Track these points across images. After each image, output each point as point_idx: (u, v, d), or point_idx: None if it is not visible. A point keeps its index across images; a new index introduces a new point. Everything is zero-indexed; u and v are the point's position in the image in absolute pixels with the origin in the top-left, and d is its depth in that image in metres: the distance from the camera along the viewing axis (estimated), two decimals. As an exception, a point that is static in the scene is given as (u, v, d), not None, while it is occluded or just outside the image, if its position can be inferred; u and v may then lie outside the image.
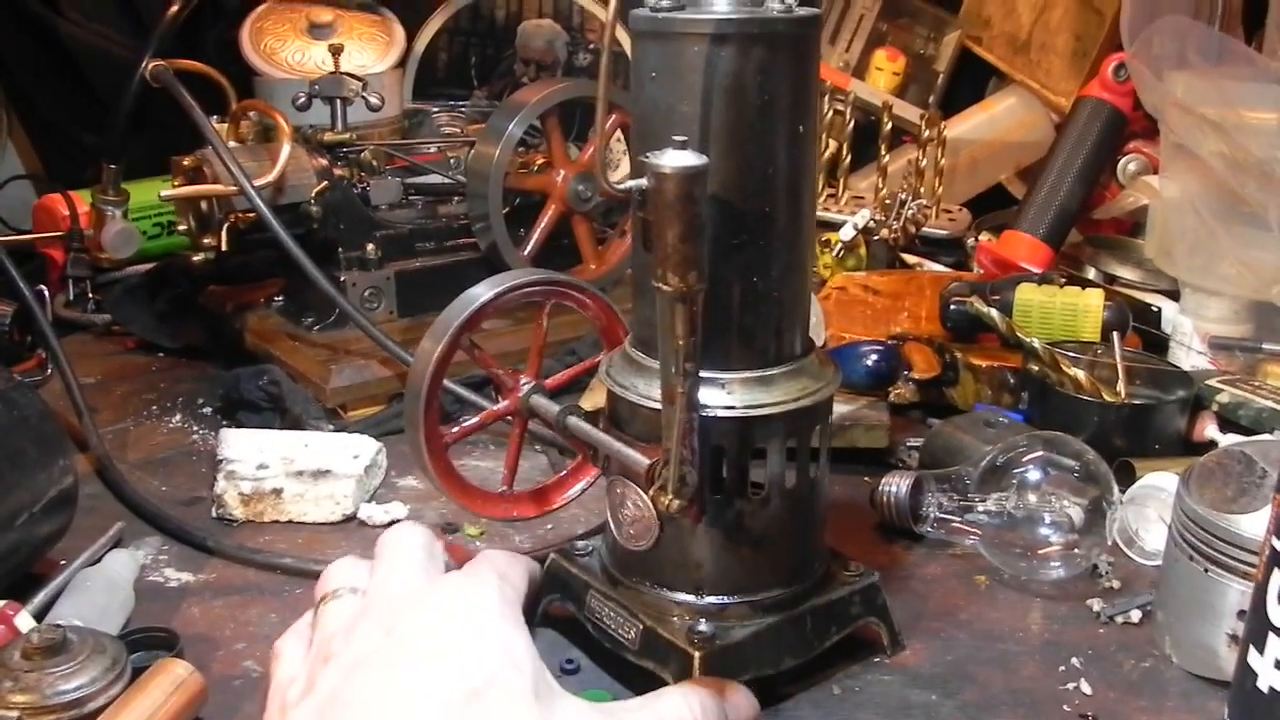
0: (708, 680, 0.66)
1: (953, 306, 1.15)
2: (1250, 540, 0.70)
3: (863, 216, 1.43)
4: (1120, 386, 1.02)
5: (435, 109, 1.56)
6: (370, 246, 1.20)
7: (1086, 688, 0.74)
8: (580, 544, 0.79)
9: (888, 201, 1.49)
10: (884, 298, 1.29)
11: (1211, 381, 1.06)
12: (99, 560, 0.84)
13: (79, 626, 0.70)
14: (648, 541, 0.70)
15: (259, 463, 0.97)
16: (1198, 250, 1.20)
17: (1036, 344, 1.04)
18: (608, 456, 0.72)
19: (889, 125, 1.59)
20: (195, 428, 1.12)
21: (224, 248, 1.14)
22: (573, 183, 1.24)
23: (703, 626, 0.69)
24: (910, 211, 1.46)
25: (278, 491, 0.94)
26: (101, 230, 1.31)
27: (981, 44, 1.77)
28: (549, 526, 0.93)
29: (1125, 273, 1.40)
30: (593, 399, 1.04)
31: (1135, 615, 0.81)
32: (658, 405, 0.66)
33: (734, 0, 0.65)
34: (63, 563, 0.83)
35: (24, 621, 0.72)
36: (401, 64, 1.62)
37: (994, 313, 1.10)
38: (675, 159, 0.59)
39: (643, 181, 0.60)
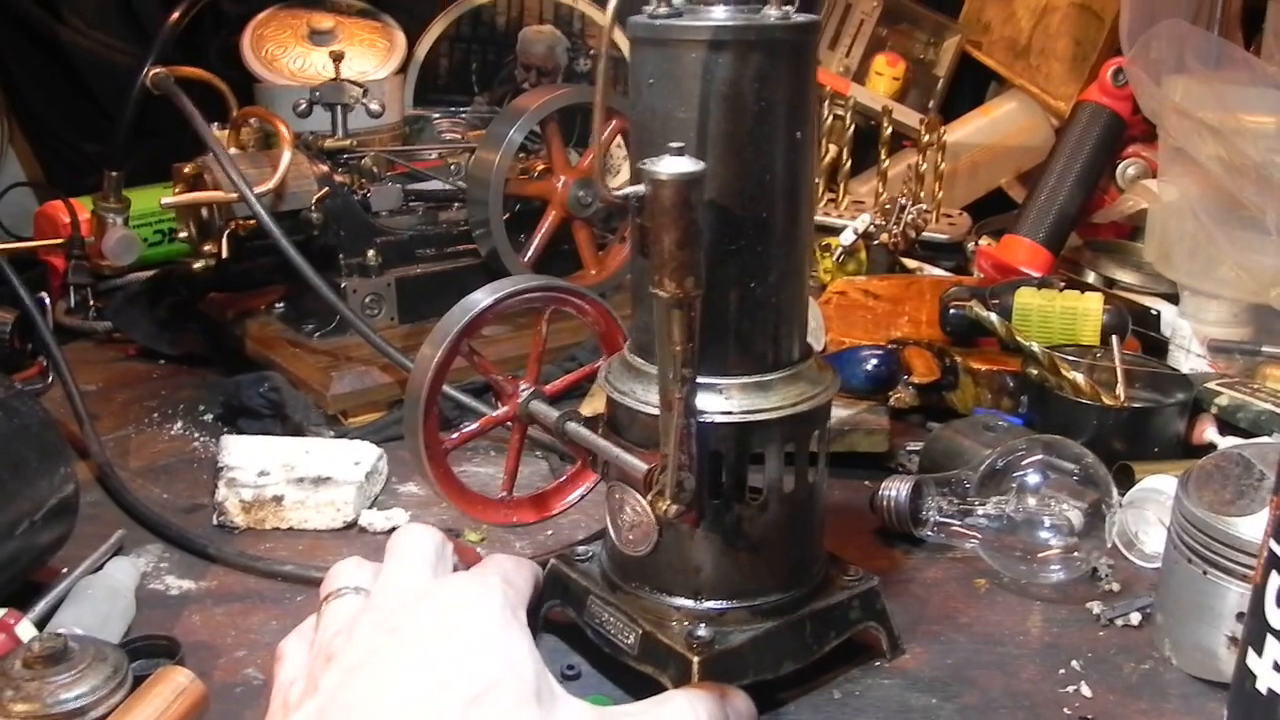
0: (709, 685, 0.66)
1: (952, 311, 1.15)
2: (1249, 543, 0.70)
3: (863, 221, 1.43)
4: (1119, 390, 1.02)
5: (436, 115, 1.57)
6: (371, 253, 1.20)
7: (1086, 690, 0.74)
8: (580, 549, 0.79)
9: (888, 206, 1.49)
10: (884, 302, 1.29)
11: (1210, 384, 1.06)
12: (100, 568, 0.84)
13: (80, 635, 0.70)
14: (647, 547, 0.70)
15: (260, 470, 0.97)
16: (1196, 254, 1.21)
17: (1036, 348, 1.04)
18: (607, 462, 0.72)
19: (889, 130, 1.59)
20: (196, 435, 1.12)
21: (225, 255, 1.15)
22: (573, 188, 1.24)
23: (701, 631, 0.69)
24: (910, 216, 1.47)
25: (279, 498, 0.94)
26: (102, 237, 1.32)
27: (981, 49, 1.78)
28: (549, 532, 0.93)
29: (1124, 276, 1.40)
30: (592, 405, 1.04)
31: (1135, 618, 0.81)
32: (656, 411, 0.66)
33: (732, 7, 0.65)
34: (64, 571, 0.83)
35: (25, 630, 0.72)
36: (402, 70, 1.63)
37: (993, 317, 1.10)
38: (672, 165, 0.59)
39: (640, 188, 0.61)
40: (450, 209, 1.30)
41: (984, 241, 1.50)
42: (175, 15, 1.35)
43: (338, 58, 1.25)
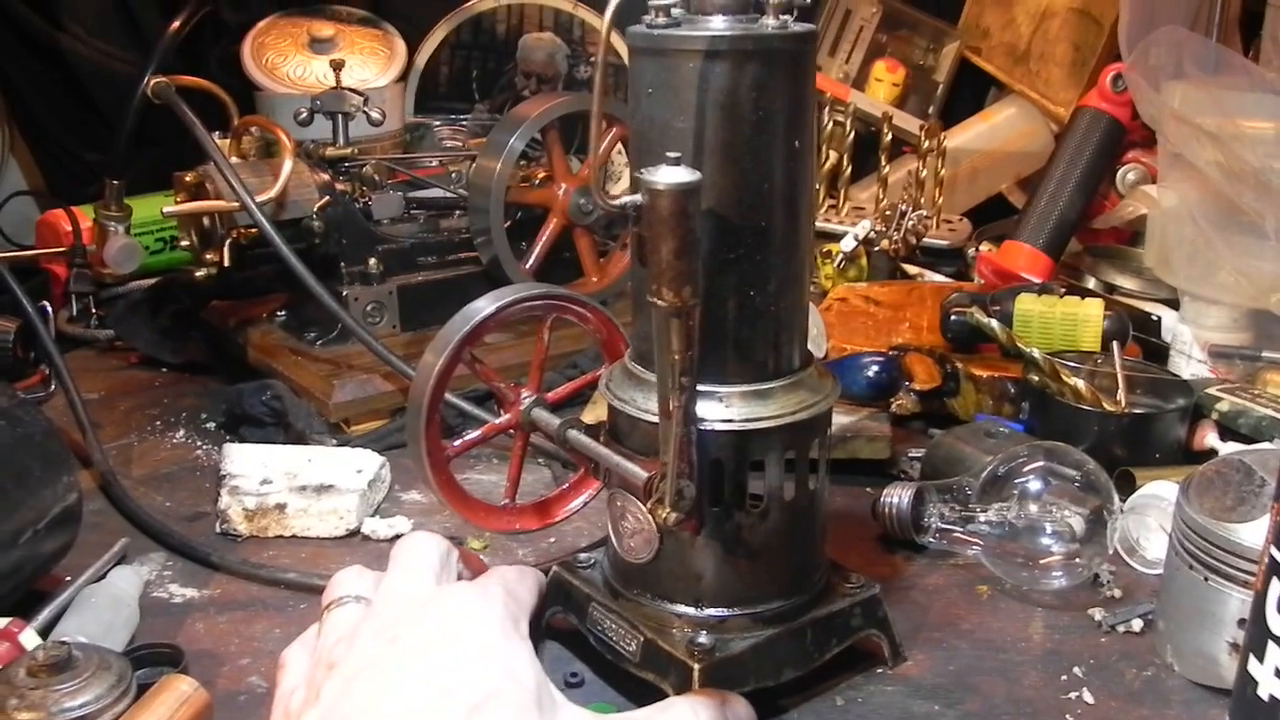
0: (710, 692, 0.66)
1: (953, 317, 1.15)
2: (1250, 549, 0.70)
3: (863, 227, 1.43)
4: (1120, 396, 1.02)
5: (437, 123, 1.57)
6: (372, 261, 1.21)
7: (1089, 697, 0.74)
8: (583, 556, 0.79)
9: (888, 212, 1.50)
10: (885, 309, 1.29)
11: (1211, 390, 1.06)
12: (103, 577, 0.84)
13: (84, 643, 0.70)
14: (648, 554, 0.70)
15: (262, 478, 0.97)
16: (1196, 259, 1.21)
17: (1037, 354, 1.05)
18: (608, 470, 0.72)
19: (889, 136, 1.59)
20: (198, 443, 1.12)
21: (226, 263, 1.15)
22: (574, 196, 1.25)
23: (702, 639, 0.69)
24: (911, 222, 1.47)
25: (281, 506, 0.94)
26: (104, 246, 1.32)
27: (981, 54, 1.78)
28: (551, 540, 0.93)
29: (1125, 282, 1.40)
30: (594, 412, 1.04)
31: (1137, 624, 0.81)
32: (656, 419, 0.66)
33: (730, 17, 0.66)
34: (67, 579, 0.83)
35: (29, 639, 0.72)
36: (403, 78, 1.63)
37: (994, 323, 1.11)
38: (669, 175, 0.59)
39: (638, 197, 0.61)
40: (451, 217, 1.30)
41: (984, 247, 1.51)
42: (176, 24, 1.35)
43: (338, 66, 1.25)
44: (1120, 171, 1.46)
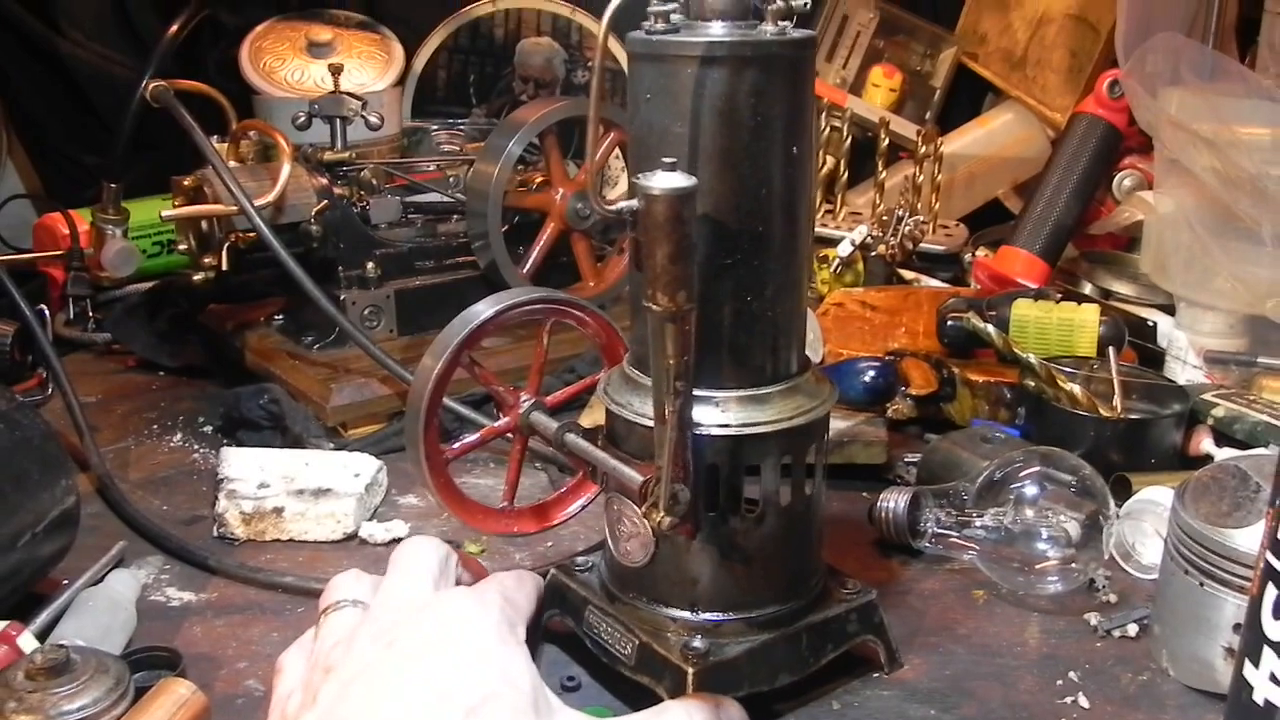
0: (704, 696, 0.66)
1: (950, 322, 1.15)
2: (1245, 554, 0.70)
3: (860, 232, 1.44)
4: (1116, 401, 1.02)
5: (434, 127, 1.57)
6: (370, 265, 1.21)
7: (1084, 701, 0.74)
8: (581, 559, 0.79)
9: (885, 217, 1.50)
10: (881, 314, 1.29)
11: (1207, 396, 1.07)
12: (101, 580, 0.84)
13: (82, 646, 0.70)
14: (643, 558, 0.71)
15: (260, 481, 0.97)
16: (1192, 265, 1.21)
17: (1033, 359, 1.05)
18: (605, 474, 0.72)
19: (886, 141, 1.60)
20: (196, 446, 1.12)
21: (224, 267, 1.15)
22: (571, 201, 1.25)
23: (697, 643, 0.69)
24: (907, 227, 1.47)
25: (279, 510, 0.94)
26: (101, 249, 1.32)
27: (978, 60, 1.78)
28: (549, 544, 0.93)
29: (1121, 288, 1.40)
30: (592, 416, 1.05)
31: (1132, 629, 0.82)
32: (652, 423, 0.66)
33: (728, 23, 0.66)
34: (65, 582, 0.83)
35: (27, 642, 0.72)
36: (400, 82, 1.63)
37: (990, 328, 1.11)
38: (664, 180, 0.59)
39: (634, 202, 0.61)
40: (449, 221, 1.30)
41: (981, 253, 1.51)
42: (174, 28, 1.35)
43: (336, 70, 1.25)
44: (1117, 177, 1.47)
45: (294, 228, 1.17)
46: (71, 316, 1.38)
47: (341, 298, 1.19)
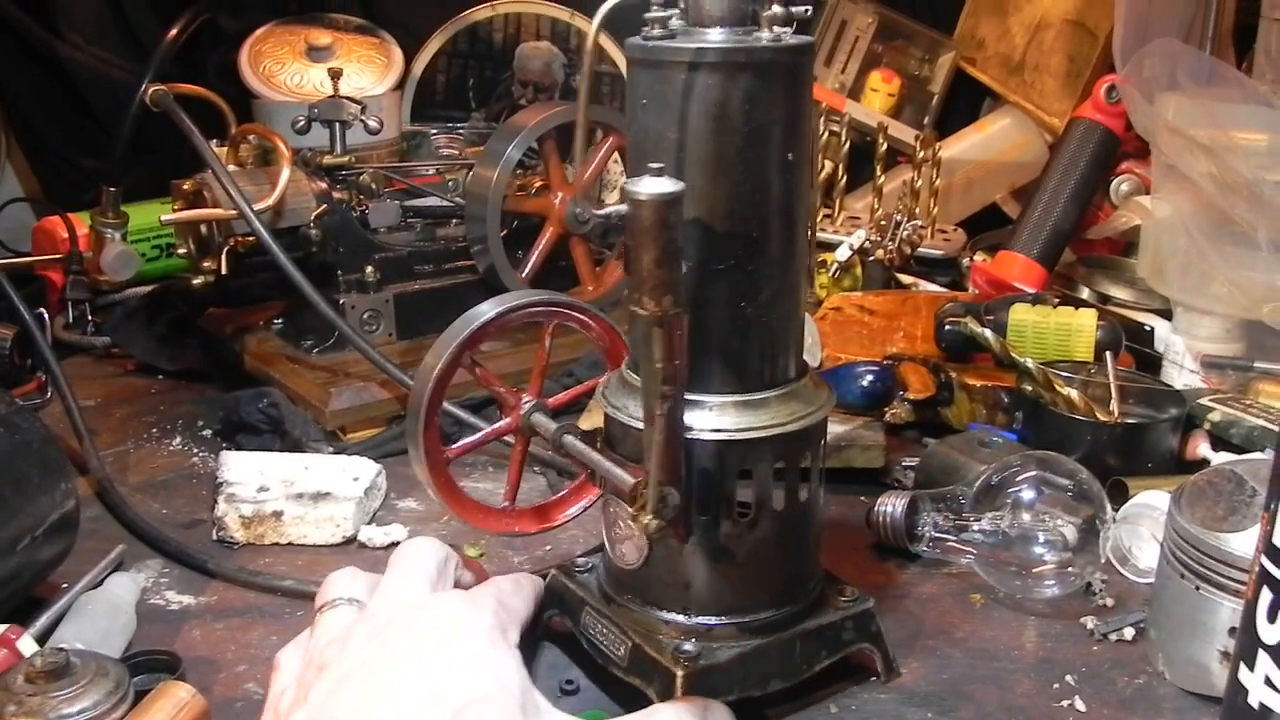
0: (693, 699, 0.67)
1: (947, 327, 1.16)
2: (1240, 558, 0.70)
3: (858, 237, 1.44)
4: (1113, 406, 1.02)
5: (433, 131, 1.58)
6: (369, 269, 1.21)
7: (1080, 705, 0.74)
8: (581, 560, 0.80)
9: (883, 222, 1.50)
10: (879, 318, 1.30)
11: (1203, 400, 1.07)
12: (100, 583, 0.84)
13: (81, 650, 0.71)
14: (637, 560, 0.71)
15: (259, 485, 0.97)
16: (1189, 270, 1.21)
17: (1030, 364, 1.05)
18: (602, 476, 0.73)
19: (884, 146, 1.60)
20: (195, 450, 1.12)
21: (224, 271, 1.15)
22: (570, 205, 1.25)
23: (688, 646, 0.70)
24: (906, 232, 1.47)
25: (278, 514, 0.94)
26: (101, 253, 1.32)
27: (976, 65, 1.79)
28: (547, 547, 0.93)
29: (1118, 292, 1.40)
30: (591, 420, 1.05)
31: (1129, 633, 0.82)
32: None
33: (725, 29, 0.66)
34: (64, 586, 0.83)
35: (26, 645, 0.73)
36: (400, 86, 1.63)
37: (988, 333, 1.11)
38: (651, 185, 0.59)
39: (624, 207, 0.61)
40: (448, 225, 1.30)
41: (979, 257, 1.51)
42: (173, 32, 1.36)
43: (336, 74, 1.26)
44: (1114, 182, 1.47)
45: (293, 232, 1.17)
46: (71, 320, 1.38)
47: (341, 302, 1.19)
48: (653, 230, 0.60)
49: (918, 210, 1.56)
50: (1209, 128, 1.17)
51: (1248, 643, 0.60)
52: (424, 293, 1.25)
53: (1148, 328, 1.28)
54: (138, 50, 1.66)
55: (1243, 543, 0.71)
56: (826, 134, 1.61)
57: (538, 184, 1.28)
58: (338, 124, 1.23)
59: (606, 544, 0.74)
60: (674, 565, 0.71)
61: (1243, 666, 0.60)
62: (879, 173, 1.60)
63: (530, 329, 0.84)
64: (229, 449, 1.08)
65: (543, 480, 1.03)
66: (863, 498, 0.98)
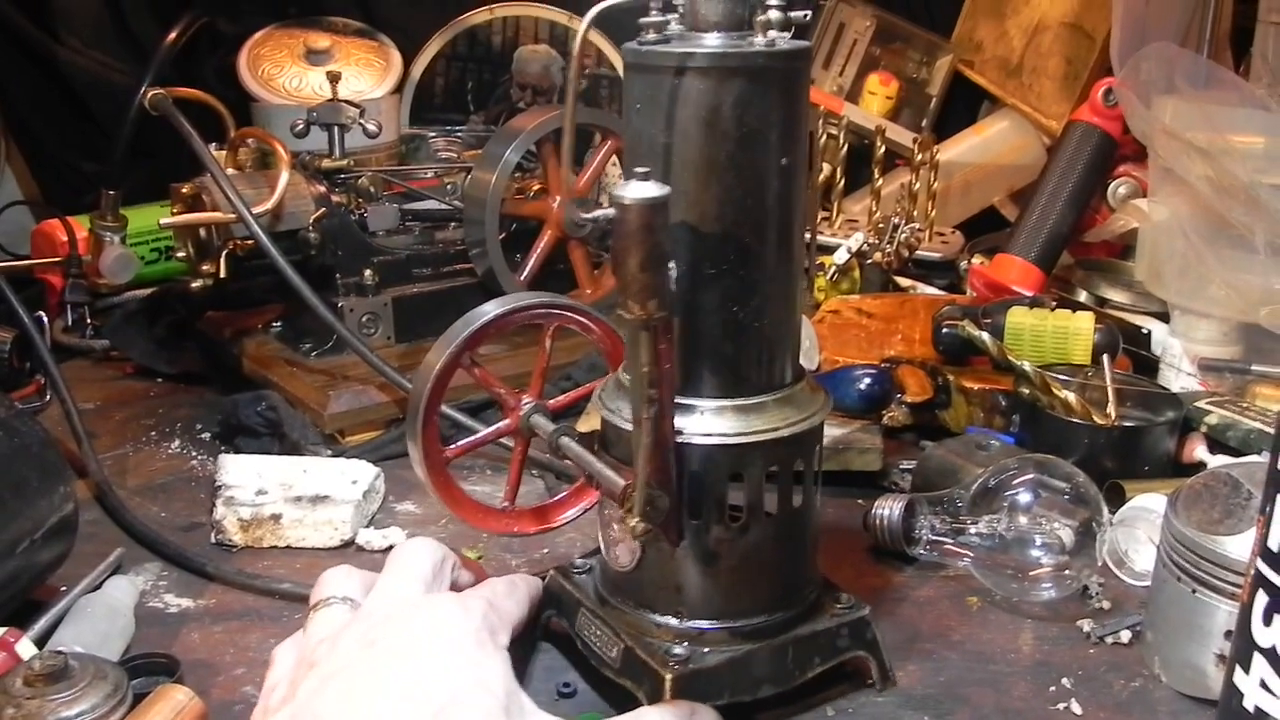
0: (680, 702, 0.67)
1: (945, 330, 1.16)
2: (1236, 562, 0.71)
3: (856, 240, 1.44)
4: (1110, 409, 1.02)
5: (432, 134, 1.58)
6: (368, 272, 1.21)
7: (1077, 708, 0.75)
8: (580, 562, 0.80)
9: (881, 225, 1.50)
10: (877, 321, 1.30)
11: (1201, 403, 1.07)
12: (99, 586, 0.84)
13: (80, 653, 0.71)
14: (630, 563, 0.71)
15: (258, 488, 0.97)
16: (1186, 273, 1.21)
17: (1028, 367, 1.05)
18: (594, 477, 0.73)
19: (882, 149, 1.60)
20: (194, 453, 1.12)
21: (223, 274, 1.15)
22: (568, 208, 1.25)
23: (678, 649, 0.70)
24: (903, 235, 1.47)
25: (276, 517, 0.94)
26: (99, 256, 1.32)
27: (973, 68, 1.79)
28: (545, 550, 0.93)
29: (1115, 295, 1.41)
30: (589, 423, 1.05)
31: (1125, 635, 0.82)
32: (637, 429, 0.67)
33: (721, 34, 0.66)
34: (63, 589, 0.83)
35: (25, 648, 0.73)
36: (398, 89, 1.63)
37: (986, 336, 1.11)
38: (636, 190, 0.60)
39: (611, 211, 0.62)
40: (447, 228, 1.30)
41: (976, 260, 1.51)
42: (172, 35, 1.36)
43: (334, 78, 1.26)
44: (1111, 185, 1.47)
45: (292, 235, 1.17)
46: (70, 323, 1.38)
47: (339, 305, 1.19)
48: (638, 234, 0.60)
49: (915, 213, 1.57)
50: (1206, 131, 1.17)
51: (1243, 646, 0.60)
52: (422, 296, 1.25)
53: (1145, 331, 1.28)
54: (137, 53, 1.66)
55: (1239, 546, 0.71)
56: (824, 137, 1.61)
57: (536, 187, 1.29)
58: (336, 127, 1.23)
59: (601, 546, 0.74)
60: (666, 568, 0.71)
61: (1238, 669, 0.60)
62: (877, 175, 1.60)
63: (528, 333, 0.84)
64: (227, 452, 1.08)
65: (540, 483, 1.03)
66: (860, 501, 0.98)
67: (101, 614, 0.80)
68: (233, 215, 1.12)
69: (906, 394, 1.11)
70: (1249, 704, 0.59)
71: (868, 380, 1.09)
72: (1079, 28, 1.67)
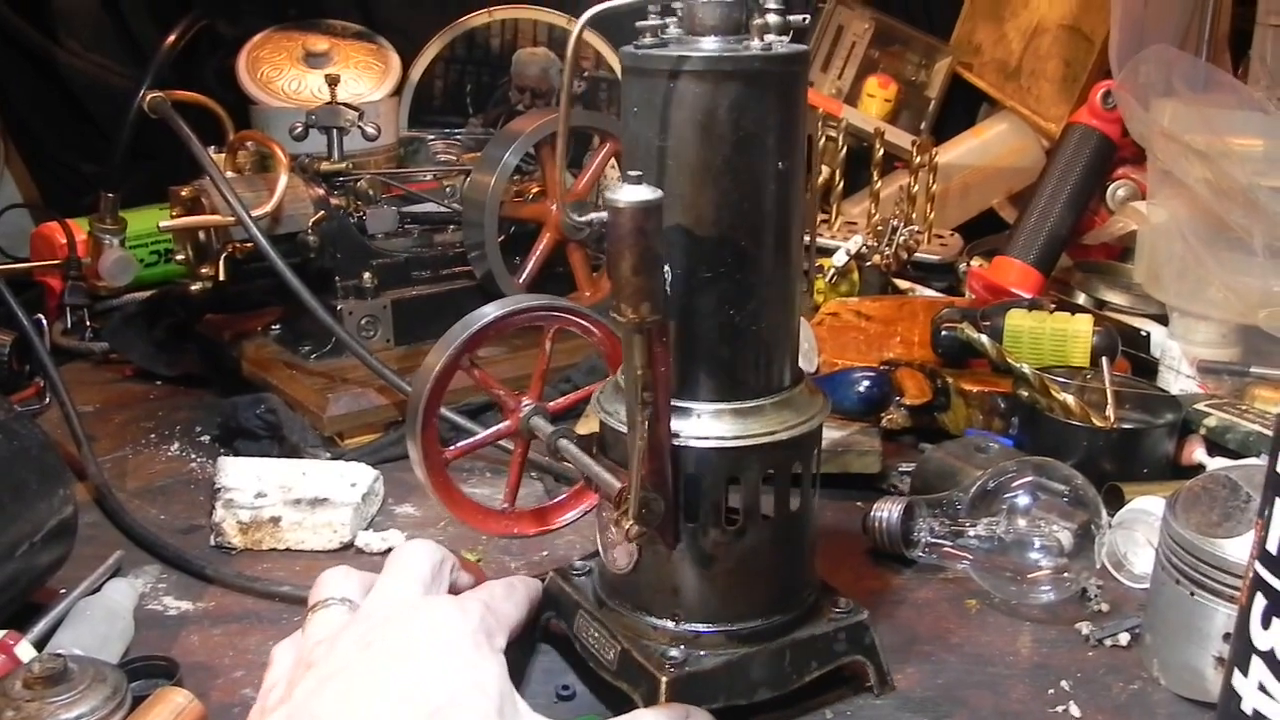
0: (675, 705, 0.67)
1: (944, 332, 1.16)
2: (1235, 564, 0.71)
3: (855, 242, 1.44)
4: (1109, 411, 1.03)
5: (431, 137, 1.58)
6: (367, 275, 1.21)
7: (1075, 710, 0.75)
8: (579, 564, 0.80)
9: (880, 227, 1.51)
10: (876, 323, 1.30)
11: (1199, 405, 1.07)
12: (98, 589, 0.84)
13: (79, 655, 0.71)
14: (627, 565, 0.71)
15: (257, 491, 0.97)
16: (1185, 275, 1.21)
17: (1026, 369, 1.05)
18: (591, 479, 0.73)
19: (881, 151, 1.60)
20: (193, 456, 1.12)
21: (222, 277, 1.15)
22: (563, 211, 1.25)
23: (674, 652, 0.70)
24: (902, 237, 1.48)
25: (276, 520, 0.94)
26: (99, 258, 1.32)
27: (972, 70, 1.79)
28: (544, 553, 0.93)
29: (1114, 298, 1.41)
30: (588, 425, 1.05)
31: (1123, 638, 0.82)
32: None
33: (719, 38, 0.66)
34: (62, 591, 0.84)
35: (24, 651, 0.73)
36: (397, 92, 1.63)
37: (985, 338, 1.11)
38: (629, 193, 0.60)
39: (604, 214, 0.62)
40: (445, 231, 1.30)
41: (975, 262, 1.51)
42: (171, 38, 1.36)
43: (333, 80, 1.26)
44: (1110, 188, 1.47)
45: (291, 238, 1.17)
46: (69, 326, 1.38)
47: (338, 308, 1.19)
48: (630, 237, 0.60)
49: (914, 215, 1.57)
50: (1205, 133, 1.17)
51: (1242, 648, 0.60)
52: (421, 298, 1.25)
53: (1144, 333, 1.28)
54: (136, 56, 1.66)
55: (1237, 548, 0.71)
56: (823, 139, 1.61)
57: (535, 190, 1.29)
58: (335, 130, 1.23)
59: (599, 548, 0.74)
60: (662, 571, 0.71)
61: (1236, 672, 0.60)
62: (876, 178, 1.60)
63: (527, 336, 0.84)
64: (227, 454, 1.08)
65: (540, 486, 1.04)
66: (859, 503, 0.98)
67: (101, 616, 0.80)
68: (232, 218, 1.12)
69: (905, 396, 1.11)
70: (1247, 707, 0.59)
71: (867, 383, 1.09)
72: (1078, 30, 1.68)
